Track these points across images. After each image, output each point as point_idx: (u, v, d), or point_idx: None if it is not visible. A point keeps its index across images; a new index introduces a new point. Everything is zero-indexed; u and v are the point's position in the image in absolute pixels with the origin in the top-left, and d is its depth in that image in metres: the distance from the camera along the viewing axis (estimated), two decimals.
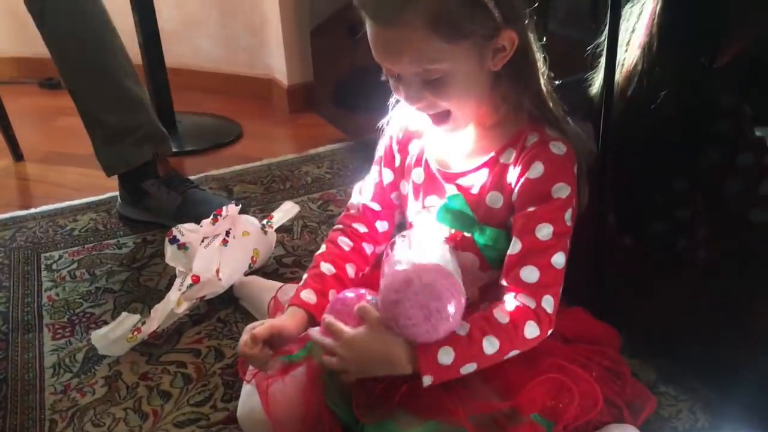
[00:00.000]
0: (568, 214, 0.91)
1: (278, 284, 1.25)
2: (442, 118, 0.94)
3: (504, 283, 0.92)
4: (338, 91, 2.21)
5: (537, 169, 0.91)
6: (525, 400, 0.87)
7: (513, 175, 0.93)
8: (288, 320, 0.97)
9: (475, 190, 0.96)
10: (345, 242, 1.07)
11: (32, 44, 2.59)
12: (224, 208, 1.32)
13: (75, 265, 1.49)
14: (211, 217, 1.30)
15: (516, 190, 0.92)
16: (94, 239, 1.59)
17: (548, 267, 0.90)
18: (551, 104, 0.95)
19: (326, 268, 1.03)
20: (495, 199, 0.95)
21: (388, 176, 1.09)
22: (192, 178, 1.74)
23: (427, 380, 0.87)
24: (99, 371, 1.18)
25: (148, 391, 1.13)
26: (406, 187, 1.06)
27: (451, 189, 0.98)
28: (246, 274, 1.35)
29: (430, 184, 1.01)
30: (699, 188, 1.03)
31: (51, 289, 1.41)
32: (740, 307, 1.00)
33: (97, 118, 1.56)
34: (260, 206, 1.70)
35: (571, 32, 1.25)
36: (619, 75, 1.03)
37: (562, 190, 0.91)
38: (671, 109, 0.99)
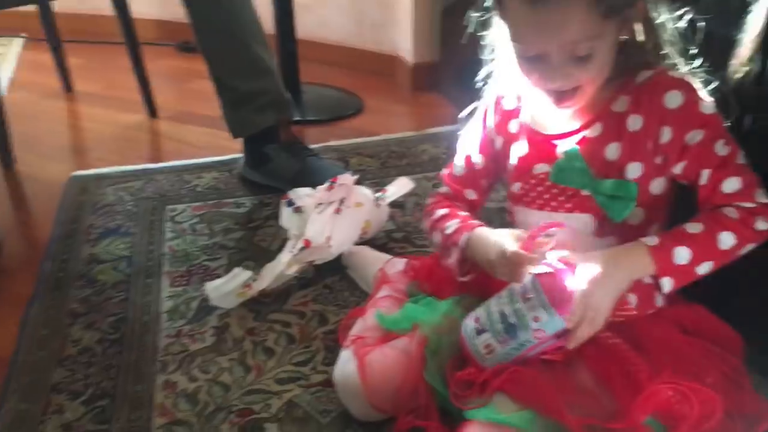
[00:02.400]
0: (722, 120, 0.90)
1: (387, 256, 1.26)
2: (568, 95, 0.90)
3: (711, 207, 0.91)
4: (463, 72, 2.19)
5: (675, 98, 0.89)
6: (637, 410, 0.83)
7: (642, 118, 0.91)
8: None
9: (589, 145, 0.94)
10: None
11: (172, 8, 2.73)
12: (340, 176, 1.34)
13: (196, 220, 1.56)
14: (327, 183, 1.32)
15: (665, 129, 0.90)
16: (215, 197, 1.66)
17: (741, 169, 0.90)
18: (674, 56, 0.92)
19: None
20: (613, 151, 0.93)
21: (480, 162, 1.09)
22: (312, 147, 1.78)
23: (666, 283, 0.88)
24: (210, 321, 1.23)
25: (253, 346, 1.17)
26: (510, 165, 1.04)
27: (562, 148, 0.96)
28: (355, 245, 1.37)
29: (537, 152, 0.99)
30: None
31: (173, 240, 1.48)
32: None
33: (227, 82, 1.62)
34: (375, 180, 1.71)
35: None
36: None
37: (707, 105, 0.90)
38: None
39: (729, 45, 1.08)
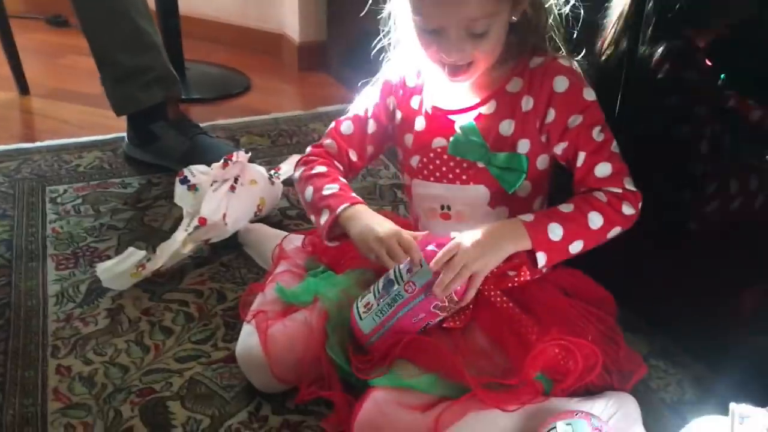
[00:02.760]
0: (601, 110, 0.98)
1: (283, 233, 1.27)
2: (462, 69, 0.95)
3: (582, 190, 0.98)
4: (350, 51, 2.21)
5: (562, 83, 0.96)
6: (529, 367, 0.89)
7: (532, 99, 0.98)
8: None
9: (485, 121, 0.99)
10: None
11: None
12: (235, 153, 1.33)
13: (80, 201, 1.50)
14: (222, 161, 1.31)
15: (551, 110, 0.97)
16: (99, 177, 1.60)
17: (613, 156, 0.97)
18: (557, 40, 0.99)
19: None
20: (507, 127, 0.99)
21: (372, 128, 1.11)
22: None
23: (540, 258, 0.93)
24: (102, 303, 1.19)
25: (150, 326, 1.15)
26: (408, 140, 1.07)
27: (459, 123, 1.00)
28: (251, 223, 1.37)
29: (435, 127, 1.03)
30: (692, 165, 1.06)
31: (55, 222, 1.42)
32: (731, 286, 1.03)
33: (110, 56, 1.56)
34: (267, 158, 1.71)
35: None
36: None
37: (589, 92, 0.97)
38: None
39: (595, 29, 1.17)
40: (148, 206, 1.49)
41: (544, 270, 0.99)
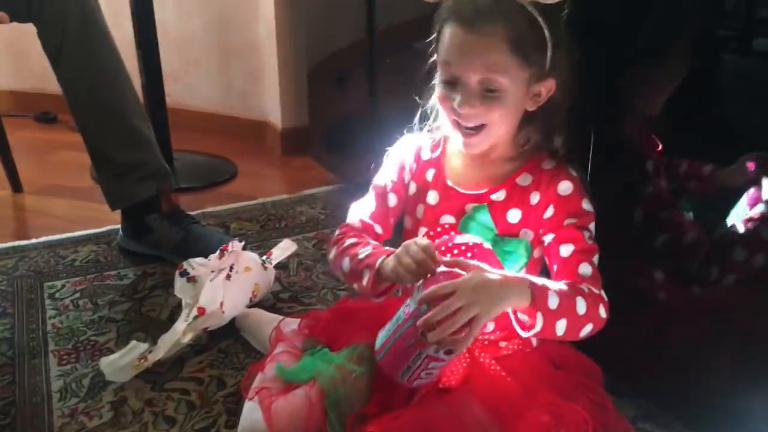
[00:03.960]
0: (593, 225, 1.05)
1: (279, 317, 1.32)
2: (475, 131, 1.04)
3: (566, 281, 1.01)
4: (331, 135, 2.31)
5: (566, 187, 1.05)
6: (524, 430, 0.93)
7: (539, 195, 1.06)
8: None
9: (495, 206, 1.07)
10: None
11: (29, 78, 2.69)
12: (230, 243, 1.39)
13: (78, 295, 1.54)
14: (218, 252, 1.37)
15: (550, 206, 1.05)
16: (95, 270, 1.65)
17: (594, 264, 1.03)
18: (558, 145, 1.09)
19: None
20: (514, 216, 1.07)
21: (393, 201, 1.17)
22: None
23: (539, 320, 0.94)
24: (105, 396, 1.23)
25: (153, 417, 1.18)
26: (419, 211, 1.14)
27: (470, 206, 1.08)
28: (246, 308, 1.42)
29: (447, 204, 1.11)
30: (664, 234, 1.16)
31: (55, 317, 1.46)
32: (707, 350, 1.10)
33: (106, 155, 1.63)
34: (257, 243, 1.77)
35: None
36: None
37: (588, 204, 1.05)
38: None
39: None
40: (145, 297, 1.53)
41: (533, 338, 1.03)
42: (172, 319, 1.44)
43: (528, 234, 1.07)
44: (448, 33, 1.02)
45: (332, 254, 1.15)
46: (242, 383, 1.16)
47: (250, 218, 1.92)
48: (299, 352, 1.17)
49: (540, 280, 1.00)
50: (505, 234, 1.07)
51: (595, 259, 1.04)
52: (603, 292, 1.02)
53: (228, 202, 2.03)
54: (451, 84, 1.03)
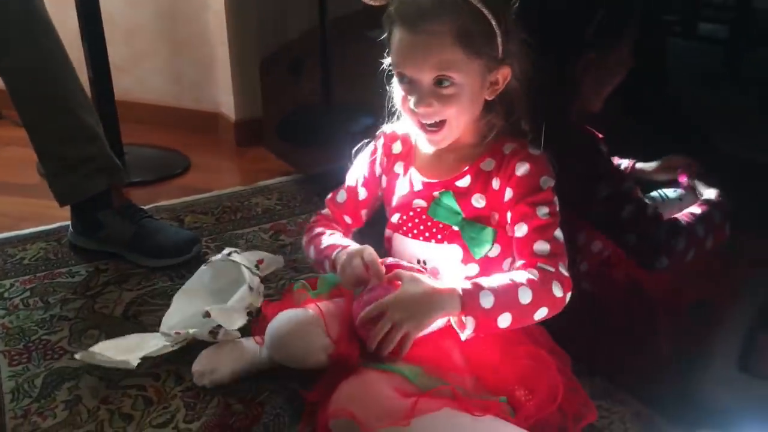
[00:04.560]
0: (556, 200, 1.07)
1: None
2: (437, 127, 1.06)
3: (520, 261, 1.05)
4: (285, 125, 2.29)
5: (524, 168, 1.06)
6: (499, 381, 0.99)
7: (499, 180, 1.08)
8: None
9: (460, 192, 1.10)
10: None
11: None
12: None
13: (28, 294, 1.50)
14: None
15: (508, 189, 1.07)
16: (45, 268, 1.61)
17: (554, 239, 1.05)
18: (527, 128, 1.11)
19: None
20: (479, 200, 1.09)
21: (363, 194, 1.25)
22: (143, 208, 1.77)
23: (469, 324, 0.98)
24: (59, 396, 1.20)
25: (109, 414, 1.16)
26: (392, 200, 1.19)
27: (439, 191, 1.11)
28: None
29: (417, 192, 1.14)
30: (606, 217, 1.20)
31: (5, 317, 1.42)
32: (654, 330, 1.14)
33: (52, 150, 1.58)
34: (212, 236, 1.75)
35: None
36: None
37: (547, 182, 1.07)
38: None
39: None
40: (98, 293, 1.50)
41: (464, 334, 1.03)
42: (126, 315, 1.42)
43: (495, 218, 1.10)
44: (397, 36, 1.03)
45: (304, 240, 1.26)
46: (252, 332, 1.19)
47: (204, 211, 1.89)
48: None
49: (480, 281, 1.03)
50: (472, 218, 1.10)
51: (557, 233, 1.05)
52: (563, 269, 1.03)
53: (182, 195, 2.00)
54: (407, 85, 1.05)
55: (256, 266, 1.43)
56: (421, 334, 1.01)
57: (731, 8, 1.34)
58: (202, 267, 1.38)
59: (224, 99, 2.40)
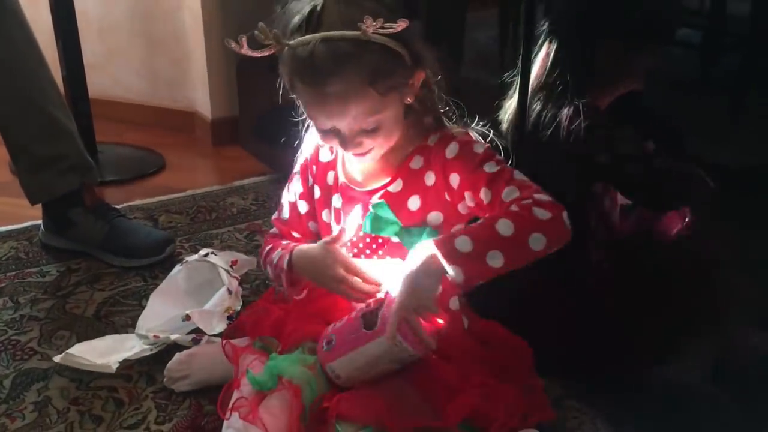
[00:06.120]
0: (498, 155, 1.04)
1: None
2: (366, 152, 1.03)
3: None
4: (261, 125, 2.28)
5: (452, 148, 1.04)
6: (453, 413, 0.95)
7: (433, 173, 1.05)
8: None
9: (394, 198, 1.06)
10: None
11: None
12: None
13: None
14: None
15: (453, 175, 1.03)
16: (15, 267, 1.58)
17: (514, 179, 0.99)
18: (449, 114, 1.09)
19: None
20: (415, 202, 1.06)
21: (303, 208, 1.19)
22: (116, 207, 1.75)
23: (457, 273, 0.93)
24: (28, 397, 1.18)
25: (79, 416, 1.14)
26: (328, 216, 1.15)
27: (372, 201, 1.08)
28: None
29: (351, 206, 1.10)
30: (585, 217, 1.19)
31: None
32: (624, 334, 1.15)
33: (23, 147, 1.56)
34: (187, 236, 1.73)
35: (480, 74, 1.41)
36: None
37: (479, 146, 1.04)
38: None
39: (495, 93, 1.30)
40: (69, 293, 1.49)
41: (464, 285, 0.98)
42: (98, 316, 1.41)
43: (437, 217, 1.06)
44: (302, 92, 0.99)
45: (262, 264, 1.21)
46: (218, 404, 1.05)
47: (179, 210, 1.88)
48: (264, 355, 1.13)
49: (453, 231, 1.01)
50: (410, 225, 1.06)
51: (515, 174, 1.00)
52: (539, 195, 0.97)
53: (156, 194, 1.98)
54: (327, 131, 1.01)
55: (231, 267, 1.43)
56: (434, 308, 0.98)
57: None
58: (177, 267, 1.38)
59: (200, 97, 2.39)
